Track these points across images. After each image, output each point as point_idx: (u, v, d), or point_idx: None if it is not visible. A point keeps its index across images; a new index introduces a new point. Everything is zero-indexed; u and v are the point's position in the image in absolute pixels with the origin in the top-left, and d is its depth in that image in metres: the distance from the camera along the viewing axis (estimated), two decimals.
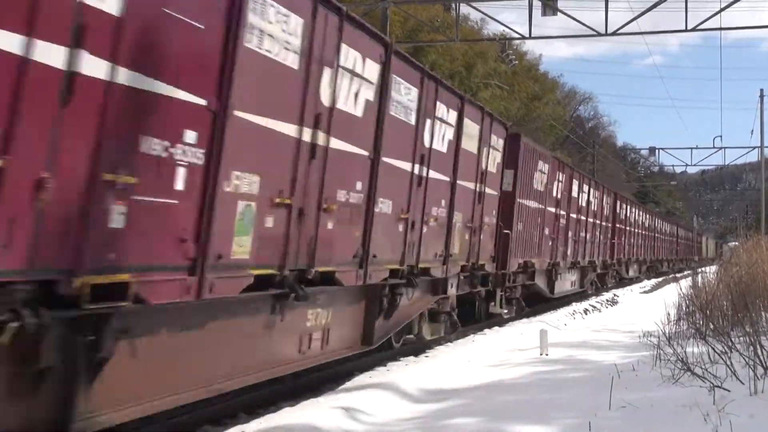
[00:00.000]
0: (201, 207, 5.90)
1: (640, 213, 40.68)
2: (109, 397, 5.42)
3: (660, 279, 42.42)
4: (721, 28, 28.28)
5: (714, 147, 52.98)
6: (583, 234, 24.82)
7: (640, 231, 39.56)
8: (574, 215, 23.30)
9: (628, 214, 35.16)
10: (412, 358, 11.72)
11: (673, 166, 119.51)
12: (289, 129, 7.14)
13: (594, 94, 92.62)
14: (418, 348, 12.43)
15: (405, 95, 9.75)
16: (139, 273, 5.27)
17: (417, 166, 10.26)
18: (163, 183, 5.49)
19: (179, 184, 5.65)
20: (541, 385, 9.17)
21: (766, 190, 43.61)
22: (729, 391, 7.35)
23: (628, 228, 35.03)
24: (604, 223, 28.87)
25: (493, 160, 14.17)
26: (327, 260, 8.06)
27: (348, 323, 9.48)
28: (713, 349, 8.86)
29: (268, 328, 7.50)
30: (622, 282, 35.45)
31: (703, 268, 21.50)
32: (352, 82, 8.31)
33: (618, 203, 32.40)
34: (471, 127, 12.68)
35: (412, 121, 10.11)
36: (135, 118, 5.18)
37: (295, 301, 7.46)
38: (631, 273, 37.91)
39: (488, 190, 13.81)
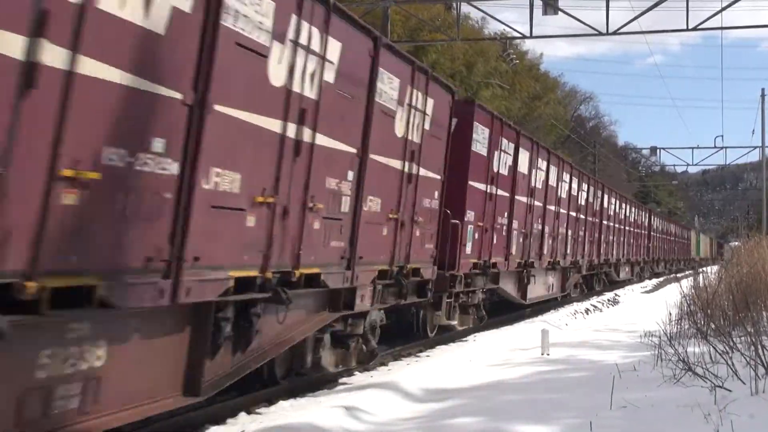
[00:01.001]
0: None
1: (573, 181, 22.04)
2: None
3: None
4: (722, 28, 28.20)
5: (715, 147, 52.91)
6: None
7: (574, 214, 22.25)
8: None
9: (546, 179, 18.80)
10: (413, 357, 11.73)
11: (674, 165, 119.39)
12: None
13: (595, 93, 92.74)
14: (420, 348, 12.43)
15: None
16: None
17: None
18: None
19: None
20: (543, 385, 9.17)
21: (767, 189, 43.56)
22: (730, 390, 7.35)
23: (547, 207, 19.04)
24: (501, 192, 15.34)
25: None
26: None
27: None
28: (714, 348, 8.85)
29: None
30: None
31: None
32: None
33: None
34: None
35: None
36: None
37: None
38: (538, 292, 19.10)
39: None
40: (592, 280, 27.50)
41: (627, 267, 34.86)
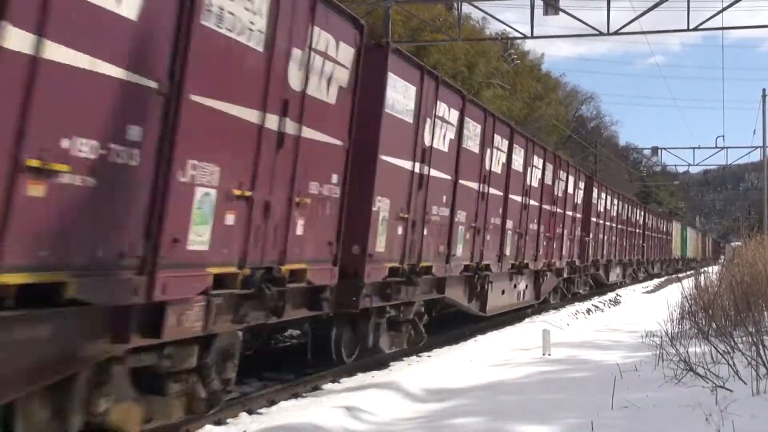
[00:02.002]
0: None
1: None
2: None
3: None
4: (723, 28, 28.35)
5: (716, 147, 52.77)
6: None
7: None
8: None
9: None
10: (414, 357, 11.72)
11: (675, 165, 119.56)
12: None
13: (596, 93, 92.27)
14: (420, 348, 12.46)
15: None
16: None
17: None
18: None
19: None
20: (544, 385, 9.17)
21: None
22: (731, 391, 7.35)
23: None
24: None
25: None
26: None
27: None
28: (716, 349, 8.85)
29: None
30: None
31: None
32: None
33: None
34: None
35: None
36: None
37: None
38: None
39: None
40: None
41: (522, 281, 17.20)
